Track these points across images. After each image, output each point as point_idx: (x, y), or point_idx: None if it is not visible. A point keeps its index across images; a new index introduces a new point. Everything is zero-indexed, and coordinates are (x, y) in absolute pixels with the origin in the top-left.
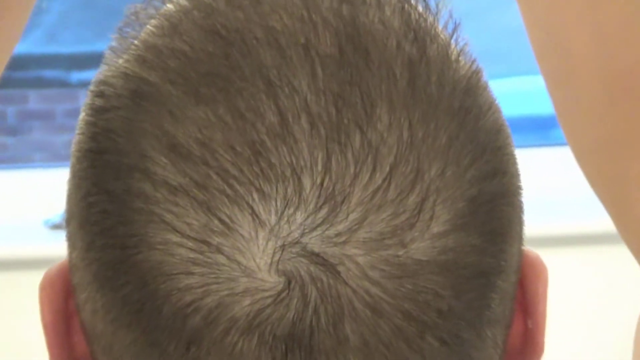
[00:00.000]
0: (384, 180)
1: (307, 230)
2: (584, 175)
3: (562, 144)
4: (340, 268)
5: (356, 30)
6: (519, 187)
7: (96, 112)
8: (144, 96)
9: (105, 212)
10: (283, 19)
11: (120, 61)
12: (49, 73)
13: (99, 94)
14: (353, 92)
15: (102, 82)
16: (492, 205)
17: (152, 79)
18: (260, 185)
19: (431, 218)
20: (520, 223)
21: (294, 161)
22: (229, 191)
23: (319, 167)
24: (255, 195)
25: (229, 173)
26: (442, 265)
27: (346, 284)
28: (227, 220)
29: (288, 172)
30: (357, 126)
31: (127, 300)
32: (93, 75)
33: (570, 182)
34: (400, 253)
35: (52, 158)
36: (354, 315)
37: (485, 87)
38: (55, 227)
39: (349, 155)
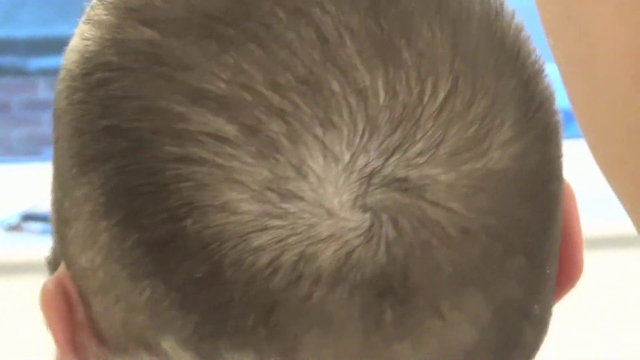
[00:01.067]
0: (449, 92)
1: (385, 157)
2: (602, 168)
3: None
4: (427, 189)
5: None
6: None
7: (99, 85)
8: (158, 58)
9: (139, 189)
10: None
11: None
12: (3, 59)
13: (101, 67)
14: (387, 4)
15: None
16: (545, 107)
17: (159, 39)
18: (322, 117)
19: (500, 125)
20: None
21: (353, 85)
22: (289, 130)
23: (381, 88)
24: (319, 130)
25: (284, 111)
26: (517, 173)
27: (436, 205)
28: (294, 161)
29: (352, 98)
30: (403, 38)
31: (187, 282)
32: (54, 61)
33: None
34: (478, 166)
35: (7, 153)
36: (445, 240)
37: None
38: (12, 228)
39: (408, 71)
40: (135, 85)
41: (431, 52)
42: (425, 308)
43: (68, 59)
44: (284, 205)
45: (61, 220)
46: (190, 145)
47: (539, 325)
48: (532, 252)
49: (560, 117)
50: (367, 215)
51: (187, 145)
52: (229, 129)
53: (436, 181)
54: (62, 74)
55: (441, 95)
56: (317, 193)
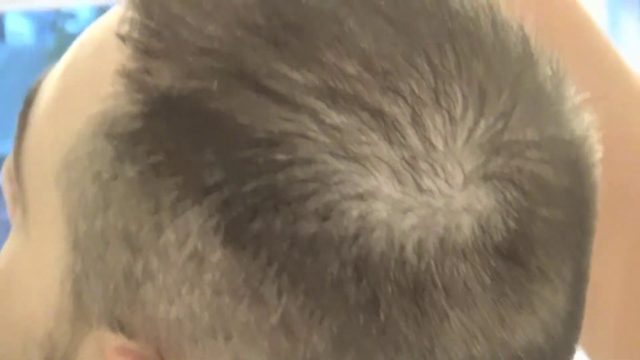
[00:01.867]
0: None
1: (500, 121)
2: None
3: None
4: (539, 149)
5: None
6: None
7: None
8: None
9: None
10: None
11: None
12: None
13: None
14: None
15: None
16: None
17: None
18: (438, 91)
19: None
20: None
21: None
22: (409, 110)
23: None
24: (437, 104)
25: (402, 92)
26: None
27: (547, 163)
28: (420, 139)
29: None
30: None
31: (332, 286)
32: None
33: None
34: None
35: None
36: (555, 202)
37: None
38: None
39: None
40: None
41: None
42: (541, 274)
43: None
44: (421, 184)
45: (128, 286)
46: (316, 143)
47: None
48: (593, 232)
49: None
50: (491, 182)
51: (310, 145)
52: (354, 119)
53: (545, 141)
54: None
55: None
56: (445, 167)
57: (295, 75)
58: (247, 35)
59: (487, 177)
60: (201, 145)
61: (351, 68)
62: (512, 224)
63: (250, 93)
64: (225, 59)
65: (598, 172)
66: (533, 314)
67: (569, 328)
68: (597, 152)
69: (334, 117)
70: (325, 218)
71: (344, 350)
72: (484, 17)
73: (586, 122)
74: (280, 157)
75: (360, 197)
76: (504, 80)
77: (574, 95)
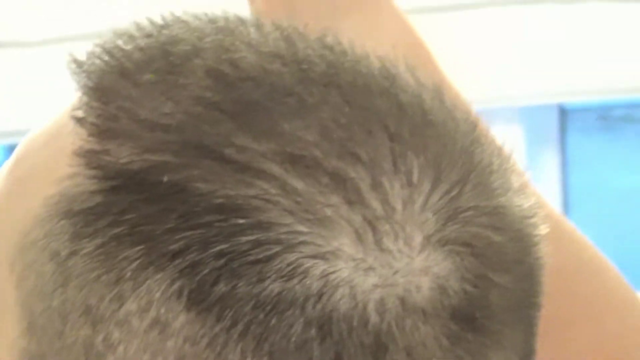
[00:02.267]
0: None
1: (457, 190)
2: None
3: None
4: (497, 218)
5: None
6: None
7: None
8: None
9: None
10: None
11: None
12: None
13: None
14: None
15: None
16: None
17: None
18: (397, 161)
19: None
20: None
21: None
22: (370, 175)
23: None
24: (395, 173)
25: (362, 159)
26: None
27: (503, 231)
28: (380, 202)
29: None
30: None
31: (294, 345)
32: None
33: None
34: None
35: None
36: (511, 269)
37: None
38: None
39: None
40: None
41: None
42: (496, 340)
43: None
44: (382, 244)
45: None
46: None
47: None
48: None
49: None
50: (448, 247)
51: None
52: (314, 183)
53: (498, 210)
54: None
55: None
56: (405, 229)
57: (255, 145)
58: (205, 111)
59: (443, 242)
60: (163, 214)
61: (310, 137)
62: (469, 288)
63: (209, 162)
64: (184, 133)
65: (544, 249)
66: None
67: None
68: (543, 228)
69: (295, 182)
70: (289, 278)
71: None
72: (432, 96)
73: (532, 199)
74: (242, 221)
75: (323, 256)
76: (457, 150)
77: (519, 172)
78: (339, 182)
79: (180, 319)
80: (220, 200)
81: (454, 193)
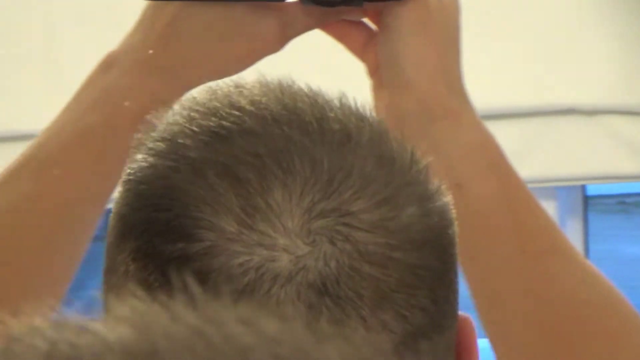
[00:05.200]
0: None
1: (324, 195)
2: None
3: None
4: (355, 218)
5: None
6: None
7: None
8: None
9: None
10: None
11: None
12: None
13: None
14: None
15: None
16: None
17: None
18: (284, 173)
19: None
20: None
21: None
22: (260, 177)
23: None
24: (282, 179)
25: (257, 167)
26: (419, 228)
27: (360, 229)
28: (264, 197)
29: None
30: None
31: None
32: None
33: None
34: (391, 214)
35: None
36: (367, 258)
37: None
38: None
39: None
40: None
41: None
42: (353, 311)
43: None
44: (256, 225)
45: None
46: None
47: None
48: (437, 297)
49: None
50: (311, 236)
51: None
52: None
53: (359, 215)
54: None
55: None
56: (279, 219)
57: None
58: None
59: (309, 232)
60: None
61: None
62: (321, 267)
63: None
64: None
65: (409, 247)
66: (346, 345)
67: None
68: (429, 222)
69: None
70: (190, 241)
71: None
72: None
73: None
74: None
75: (213, 229)
76: (342, 164)
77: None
78: (235, 182)
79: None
80: None
81: (320, 199)
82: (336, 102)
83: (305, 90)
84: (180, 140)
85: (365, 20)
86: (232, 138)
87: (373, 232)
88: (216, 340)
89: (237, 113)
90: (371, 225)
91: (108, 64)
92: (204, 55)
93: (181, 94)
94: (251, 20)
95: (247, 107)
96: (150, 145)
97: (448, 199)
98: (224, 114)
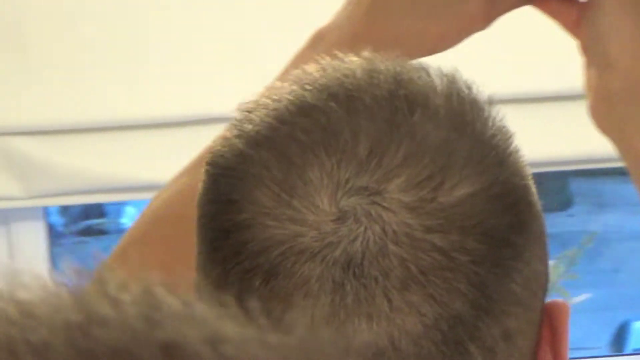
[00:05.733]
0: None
1: (356, 172)
2: None
3: None
4: (385, 198)
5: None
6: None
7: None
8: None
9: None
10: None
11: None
12: None
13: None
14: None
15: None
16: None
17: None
18: (323, 155)
19: (451, 174)
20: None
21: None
22: (301, 156)
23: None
24: (320, 159)
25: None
26: (464, 211)
27: (389, 210)
28: (300, 175)
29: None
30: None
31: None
32: None
33: None
34: (430, 196)
35: None
36: (395, 239)
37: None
38: None
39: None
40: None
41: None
42: (378, 290)
43: None
44: (291, 201)
45: None
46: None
47: (490, 356)
48: (481, 282)
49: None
50: (340, 213)
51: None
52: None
53: (392, 195)
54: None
55: (400, 152)
56: (312, 195)
57: None
58: None
59: (338, 208)
60: None
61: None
62: (347, 244)
63: None
64: None
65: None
66: (371, 324)
67: (431, 353)
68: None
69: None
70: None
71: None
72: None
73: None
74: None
75: (253, 203)
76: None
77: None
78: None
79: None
80: None
81: (351, 176)
82: (415, 74)
83: (386, 66)
84: (252, 116)
85: None
86: (293, 115)
87: (405, 212)
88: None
89: (299, 91)
90: (404, 206)
91: (316, 40)
92: (411, 33)
93: None
94: None
95: (309, 86)
96: (234, 123)
97: (523, 167)
98: (290, 91)
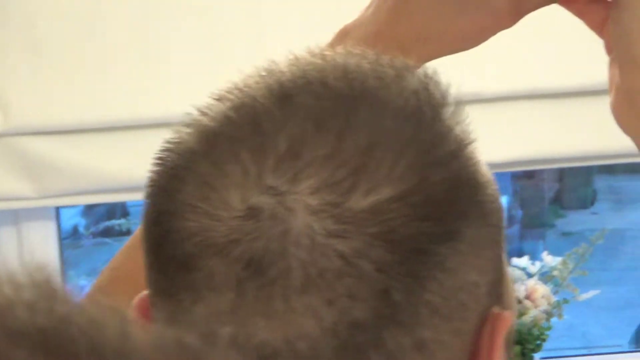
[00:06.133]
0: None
1: (266, 172)
2: None
3: None
4: (289, 199)
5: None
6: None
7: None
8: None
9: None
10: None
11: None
12: None
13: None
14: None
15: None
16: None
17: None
18: (244, 154)
19: (364, 179)
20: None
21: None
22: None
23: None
24: (240, 158)
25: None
26: (372, 220)
27: (293, 211)
28: (219, 168)
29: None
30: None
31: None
32: None
33: None
34: (338, 200)
35: None
36: (296, 240)
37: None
38: None
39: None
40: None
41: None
42: (277, 291)
43: None
44: (210, 195)
45: None
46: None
47: None
48: (385, 291)
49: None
50: (247, 210)
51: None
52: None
53: (300, 196)
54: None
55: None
56: (228, 191)
57: None
58: None
59: (247, 205)
60: None
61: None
62: (251, 241)
63: None
64: None
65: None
66: (269, 323)
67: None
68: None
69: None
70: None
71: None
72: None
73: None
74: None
75: (180, 193)
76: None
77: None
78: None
79: None
80: None
81: (273, 174)
82: (373, 75)
83: (347, 64)
84: (205, 110)
85: None
86: (228, 110)
87: (308, 215)
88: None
89: (245, 88)
90: (309, 208)
91: (341, 37)
92: (436, 31)
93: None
94: None
95: (256, 83)
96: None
97: (465, 163)
98: (235, 86)
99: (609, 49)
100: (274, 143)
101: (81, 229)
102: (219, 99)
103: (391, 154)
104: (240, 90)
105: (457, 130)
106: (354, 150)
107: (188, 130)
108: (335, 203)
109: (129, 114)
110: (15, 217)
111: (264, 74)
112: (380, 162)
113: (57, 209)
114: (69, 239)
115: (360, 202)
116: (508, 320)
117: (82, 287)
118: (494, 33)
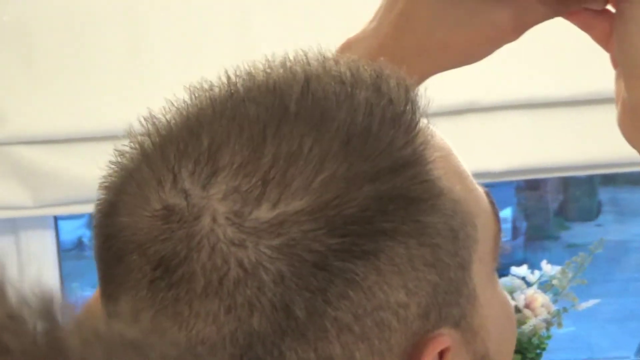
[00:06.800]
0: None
1: (186, 176)
2: None
3: None
4: (197, 201)
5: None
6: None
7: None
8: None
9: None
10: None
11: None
12: None
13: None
14: None
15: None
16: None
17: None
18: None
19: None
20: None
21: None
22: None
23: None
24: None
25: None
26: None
27: (199, 217)
28: (156, 176)
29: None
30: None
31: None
32: None
33: None
34: (246, 210)
35: None
36: (205, 245)
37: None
38: None
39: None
40: None
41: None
42: (182, 294)
43: None
44: (141, 193)
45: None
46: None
47: None
48: (285, 304)
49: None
50: (163, 211)
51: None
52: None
53: (209, 202)
54: None
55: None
56: (151, 190)
57: None
58: None
59: (164, 206)
60: None
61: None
62: (161, 241)
63: None
64: None
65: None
66: (175, 323)
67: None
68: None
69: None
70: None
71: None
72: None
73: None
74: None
75: (120, 191)
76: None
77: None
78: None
79: None
80: None
81: (178, 178)
82: (335, 89)
83: (318, 73)
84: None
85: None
86: (175, 116)
87: (213, 222)
88: None
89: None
90: (215, 215)
91: (344, 50)
92: (439, 44)
93: (416, 83)
94: (484, 8)
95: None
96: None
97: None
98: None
99: (615, 63)
100: (197, 145)
101: (86, 241)
102: (169, 106)
103: (311, 167)
104: (189, 98)
105: (403, 147)
106: (272, 161)
107: (140, 135)
108: (240, 212)
109: (127, 123)
110: (13, 226)
111: (223, 80)
112: (296, 175)
113: (55, 218)
114: (73, 250)
115: (266, 213)
116: (440, 342)
117: (86, 298)
118: (497, 47)
